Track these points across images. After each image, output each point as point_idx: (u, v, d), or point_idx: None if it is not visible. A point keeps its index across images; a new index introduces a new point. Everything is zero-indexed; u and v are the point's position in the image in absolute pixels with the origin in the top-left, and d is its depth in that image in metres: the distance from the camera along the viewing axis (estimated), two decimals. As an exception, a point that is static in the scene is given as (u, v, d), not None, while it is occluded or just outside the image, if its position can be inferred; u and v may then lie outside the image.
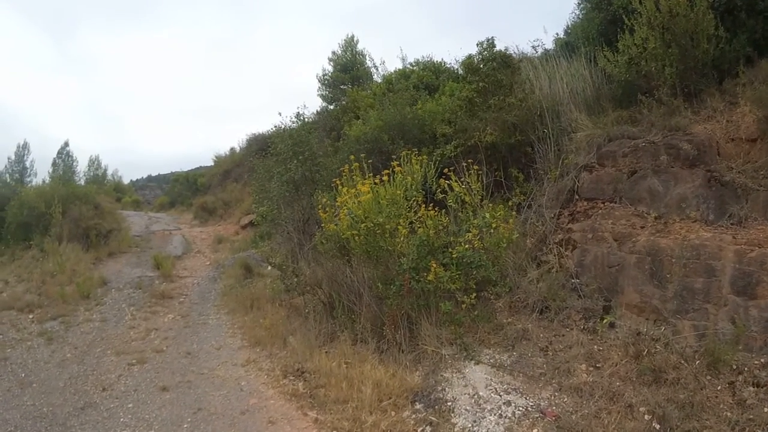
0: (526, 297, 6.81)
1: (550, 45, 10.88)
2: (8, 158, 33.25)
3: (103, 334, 8.50)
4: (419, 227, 6.61)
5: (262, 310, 8.90)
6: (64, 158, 32.95)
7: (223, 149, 37.41)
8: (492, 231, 6.64)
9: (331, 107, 19.58)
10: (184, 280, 12.35)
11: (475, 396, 5.22)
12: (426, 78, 14.42)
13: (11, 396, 6.22)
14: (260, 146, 19.22)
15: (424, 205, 6.82)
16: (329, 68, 21.94)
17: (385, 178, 6.78)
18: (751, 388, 4.70)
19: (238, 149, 27.66)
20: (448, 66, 15.43)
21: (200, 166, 36.01)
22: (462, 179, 7.32)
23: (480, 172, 7.39)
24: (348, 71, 21.16)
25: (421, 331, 6.24)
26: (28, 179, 31.61)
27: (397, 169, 6.90)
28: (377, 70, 19.82)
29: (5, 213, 18.51)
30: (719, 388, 4.78)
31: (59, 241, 14.54)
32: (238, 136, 39.89)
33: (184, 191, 31.09)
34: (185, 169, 36.80)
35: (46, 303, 10.17)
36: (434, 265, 6.02)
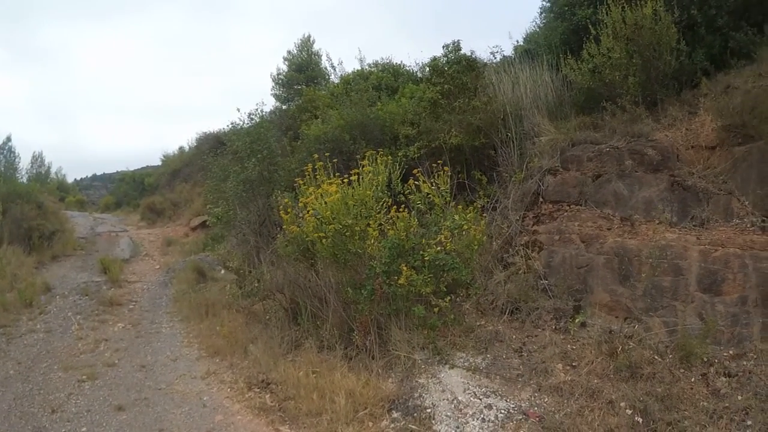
0: (494, 299, 6.81)
1: (508, 51, 10.88)
2: None
3: (48, 347, 7.89)
4: (389, 229, 6.43)
5: (218, 316, 8.51)
6: (5, 154, 31.52)
7: (172, 148, 36.61)
8: (463, 233, 6.56)
9: (285, 107, 19.34)
10: (133, 285, 11.81)
11: (455, 401, 5.10)
12: (385, 79, 14.31)
13: (-54, 422, 5.61)
14: (212, 145, 18.87)
15: (394, 207, 6.64)
16: (284, 68, 21.84)
17: (353, 177, 6.53)
18: (724, 378, 4.90)
19: (187, 148, 27.03)
20: (407, 68, 15.47)
21: (147, 166, 35.21)
22: (431, 180, 7.20)
23: (447, 173, 7.27)
24: (303, 71, 21.05)
25: (391, 336, 6.06)
26: None
27: (366, 168, 6.67)
28: (335, 70, 19.63)
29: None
30: (693, 380, 4.94)
31: (-1, 243, 13.83)
32: (188, 135, 38.73)
33: (130, 191, 30.37)
34: (132, 169, 35.88)
35: None
36: (405, 269, 5.84)
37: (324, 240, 6.30)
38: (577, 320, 5.98)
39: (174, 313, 9.61)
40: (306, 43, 21.93)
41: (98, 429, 5.36)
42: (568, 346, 5.70)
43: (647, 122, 7.05)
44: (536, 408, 4.84)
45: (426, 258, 6.00)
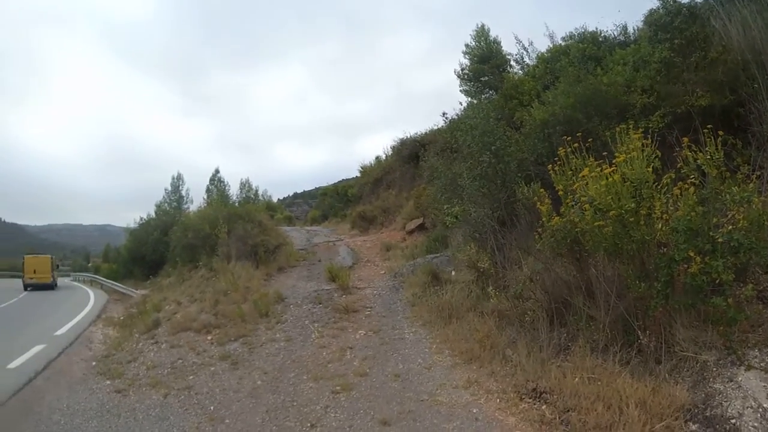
0: None
1: None
2: (165, 189, 36.59)
3: (292, 356, 8.00)
4: (676, 210, 5.44)
5: (464, 320, 8.01)
6: (216, 184, 35.07)
7: (366, 159, 37.62)
8: (751, 207, 5.38)
9: (475, 101, 18.71)
10: (363, 291, 11.85)
11: (760, 409, 4.23)
12: (588, 50, 13.11)
13: (201, 435, 5.61)
14: (411, 150, 18.73)
15: (680, 182, 5.62)
16: (466, 62, 21.13)
17: (621, 157, 5.64)
18: None
19: (383, 157, 27.36)
20: (606, 33, 14.26)
21: (343, 179, 36.50)
22: (705, 149, 6.09)
23: (719, 139, 6.12)
24: (486, 61, 20.22)
25: (674, 335, 5.18)
26: (185, 206, 34.62)
27: (638, 143, 5.71)
28: (527, 52, 18.63)
29: (169, 237, 19.70)
30: None
31: (227, 259, 14.75)
32: (382, 144, 39.53)
33: (335, 203, 31.84)
34: (329, 183, 37.60)
35: (224, 323, 10.04)
36: (693, 254, 4.87)
37: (604, 229, 5.51)
38: None
39: (413, 318, 9.34)
40: (482, 33, 20.98)
41: (366, 447, 5.06)
42: None
43: None
44: None
45: (719, 239, 4.96)
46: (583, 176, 5.71)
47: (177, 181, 38.72)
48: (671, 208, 5.44)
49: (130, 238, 32.68)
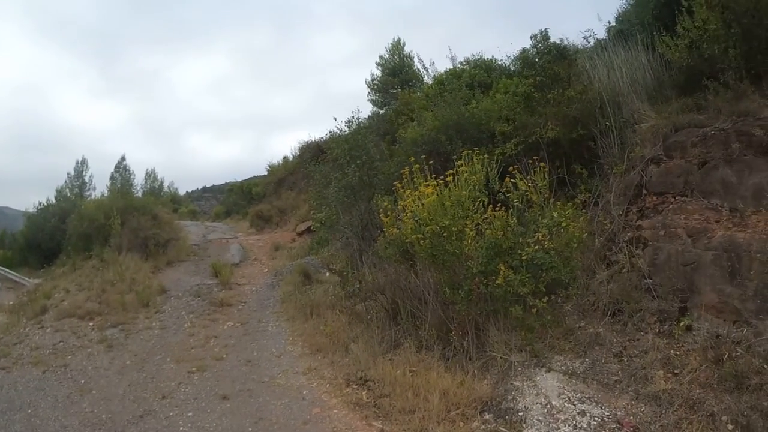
0: (596, 300, 6.43)
1: (602, 35, 10.49)
2: (68, 174, 35.06)
3: (162, 342, 8.57)
4: (486, 229, 6.33)
5: (322, 316, 8.73)
6: (121, 172, 34.06)
7: (276, 158, 37.61)
8: (562, 230, 6.29)
9: (382, 111, 19.43)
10: (242, 287, 12.33)
11: (548, 405, 4.96)
12: (478, 76, 14.13)
13: (70, 402, 6.28)
14: (313, 153, 19.14)
15: (491, 206, 6.53)
16: (378, 72, 21.85)
17: (449, 179, 6.50)
18: None
19: (291, 157, 27.49)
20: (500, 62, 15.22)
21: (254, 176, 36.18)
22: (528, 177, 6.99)
23: (545, 169, 7.03)
24: (397, 75, 21.02)
25: (488, 337, 5.98)
26: (88, 193, 33.22)
27: (462, 168, 6.60)
28: (427, 71, 19.56)
29: (66, 225, 19.42)
30: (807, 395, 4.40)
31: (119, 251, 14.86)
32: (290, 144, 39.21)
33: (239, 200, 31.38)
34: (239, 180, 37.15)
35: (107, 311, 10.35)
36: (503, 268, 5.73)
37: (422, 241, 6.28)
38: (682, 323, 5.48)
39: (280, 313, 9.97)
40: (397, 47, 21.83)
41: (203, 414, 5.77)
42: (672, 351, 5.30)
43: (754, 98, 6.42)
44: (631, 417, 4.61)
45: (524, 257, 5.87)
46: (410, 194, 6.55)
47: (81, 166, 36.96)
48: (486, 228, 6.33)
49: (28, 223, 31.39)
